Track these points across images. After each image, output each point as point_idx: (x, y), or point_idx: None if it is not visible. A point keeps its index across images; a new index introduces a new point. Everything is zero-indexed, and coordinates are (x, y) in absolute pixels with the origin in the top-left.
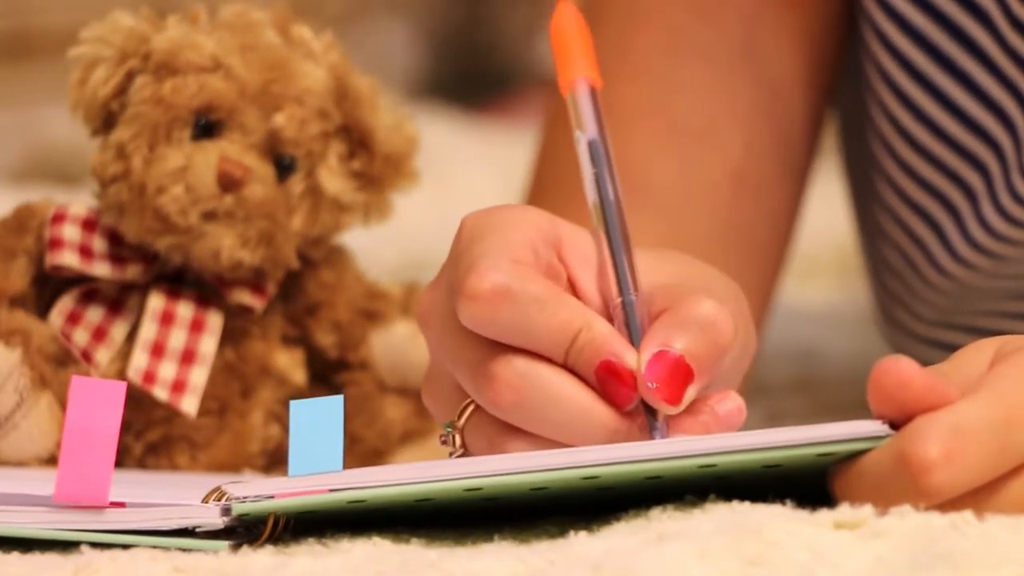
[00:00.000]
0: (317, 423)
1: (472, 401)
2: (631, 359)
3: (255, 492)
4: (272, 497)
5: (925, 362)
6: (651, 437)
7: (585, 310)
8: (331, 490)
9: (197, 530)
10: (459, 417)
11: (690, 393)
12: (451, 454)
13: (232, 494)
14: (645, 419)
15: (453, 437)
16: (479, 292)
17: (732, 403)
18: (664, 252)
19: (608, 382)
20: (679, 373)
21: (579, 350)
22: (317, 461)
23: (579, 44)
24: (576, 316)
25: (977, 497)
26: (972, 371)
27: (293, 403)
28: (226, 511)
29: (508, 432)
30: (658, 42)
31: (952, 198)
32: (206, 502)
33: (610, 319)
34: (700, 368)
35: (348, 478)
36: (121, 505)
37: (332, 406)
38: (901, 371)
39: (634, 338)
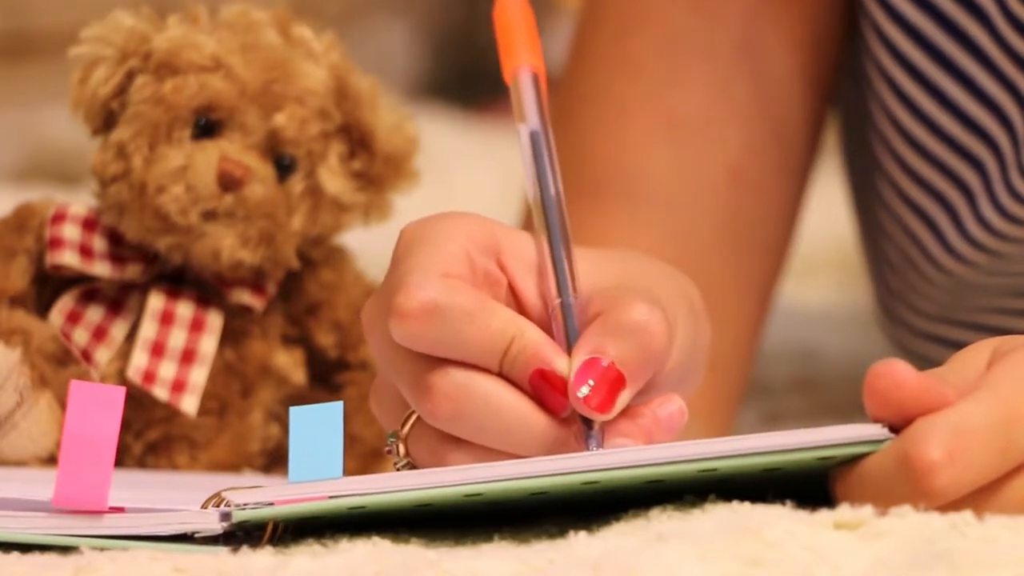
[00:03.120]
0: (317, 429)
1: (415, 411)
2: (563, 366)
3: (255, 499)
4: (272, 504)
5: (926, 357)
6: (586, 444)
7: (517, 318)
8: (331, 496)
9: (196, 535)
10: (402, 426)
11: (622, 399)
12: (395, 464)
13: (232, 501)
14: (580, 426)
15: (397, 446)
16: (408, 310)
17: (673, 406)
18: (611, 251)
19: (542, 390)
20: (609, 380)
21: (512, 359)
22: (317, 467)
23: (523, 32)
24: (508, 325)
25: (978, 497)
26: (969, 372)
27: (293, 409)
28: (225, 517)
29: (449, 442)
30: (658, 39)
31: (949, 196)
32: (205, 508)
33: (550, 322)
34: (632, 374)
35: (348, 485)
36: (120, 510)
37: (332, 412)
38: (895, 373)
39: (571, 342)
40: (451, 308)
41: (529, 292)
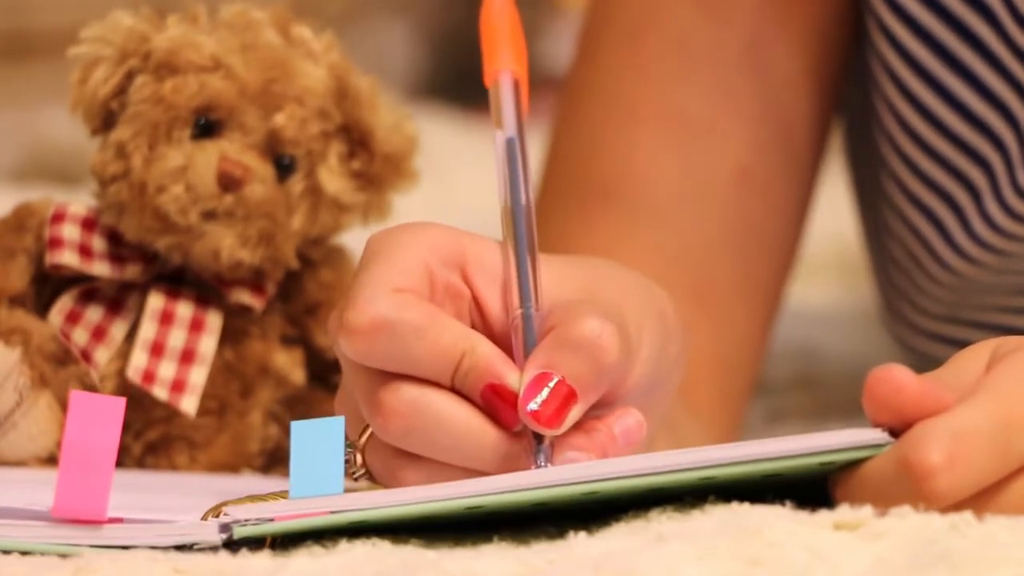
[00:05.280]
0: (318, 444)
1: None
2: (515, 381)
3: (255, 515)
4: (272, 520)
5: (930, 356)
6: (535, 459)
7: (469, 333)
8: (331, 512)
9: (195, 546)
10: (359, 437)
11: (573, 415)
12: (352, 474)
13: (233, 516)
14: (530, 441)
15: (354, 456)
16: (357, 326)
17: (631, 419)
18: (579, 259)
19: (493, 405)
20: (559, 396)
21: (464, 375)
22: (318, 482)
23: (508, 37)
24: (459, 340)
25: (978, 500)
26: (968, 375)
27: (294, 424)
28: (224, 528)
29: (402, 457)
30: (665, 41)
31: (955, 194)
32: (205, 520)
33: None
34: (583, 389)
35: (348, 501)
36: (119, 520)
37: (332, 427)
38: (895, 378)
39: (529, 354)
40: (400, 324)
41: (493, 304)
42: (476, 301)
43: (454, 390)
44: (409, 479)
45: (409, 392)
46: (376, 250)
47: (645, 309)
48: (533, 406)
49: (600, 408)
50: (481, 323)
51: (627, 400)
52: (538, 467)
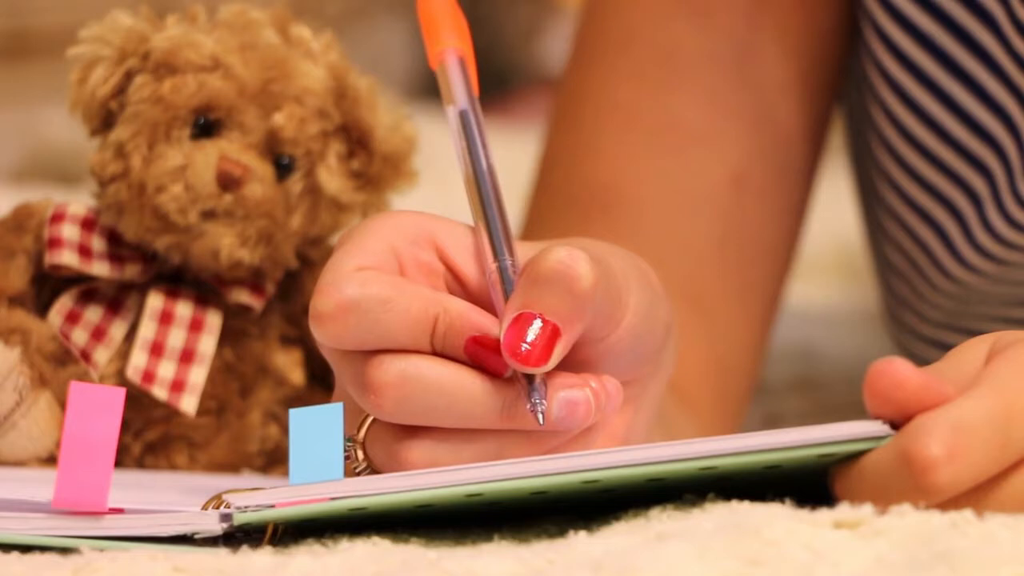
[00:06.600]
0: (317, 431)
1: (367, 413)
2: (495, 328)
3: (256, 502)
4: (273, 507)
5: (931, 362)
6: (529, 399)
7: (437, 295)
8: (332, 498)
9: (195, 537)
10: (358, 430)
11: (559, 349)
12: (355, 469)
13: (233, 503)
14: (523, 383)
15: (355, 451)
16: (325, 311)
17: (610, 383)
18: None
19: (479, 356)
20: (544, 334)
21: (443, 336)
22: (318, 469)
23: (447, 18)
24: (429, 305)
25: (978, 493)
26: (968, 368)
27: (293, 411)
28: (225, 518)
29: (403, 438)
30: (658, 48)
31: (955, 201)
32: (205, 509)
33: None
34: (563, 321)
35: (348, 486)
36: (120, 511)
37: (331, 414)
38: (895, 371)
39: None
40: (365, 300)
41: (472, 275)
42: (455, 275)
43: (438, 355)
44: (412, 458)
45: (394, 363)
46: (341, 242)
47: (629, 267)
48: (523, 348)
49: (595, 356)
50: (464, 295)
51: (618, 350)
52: (533, 406)
